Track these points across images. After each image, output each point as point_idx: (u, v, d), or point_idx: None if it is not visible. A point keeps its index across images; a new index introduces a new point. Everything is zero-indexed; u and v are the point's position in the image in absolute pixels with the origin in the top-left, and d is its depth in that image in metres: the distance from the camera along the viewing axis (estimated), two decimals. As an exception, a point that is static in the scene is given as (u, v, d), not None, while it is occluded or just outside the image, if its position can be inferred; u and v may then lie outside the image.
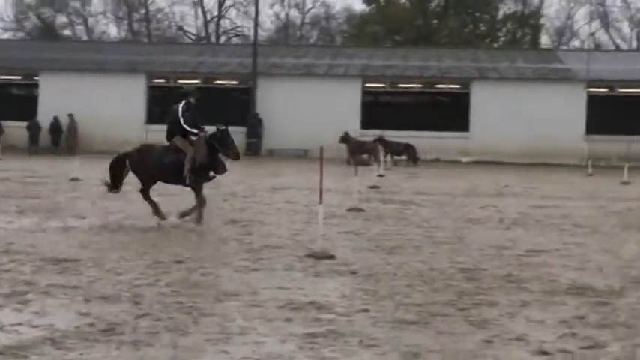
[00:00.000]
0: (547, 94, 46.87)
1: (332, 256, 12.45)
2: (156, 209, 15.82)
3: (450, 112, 49.42)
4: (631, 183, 31.28)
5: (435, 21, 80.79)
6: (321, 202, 13.15)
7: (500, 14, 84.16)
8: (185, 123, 15.73)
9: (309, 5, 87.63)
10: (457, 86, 49.72)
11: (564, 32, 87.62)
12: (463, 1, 78.77)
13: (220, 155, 16.06)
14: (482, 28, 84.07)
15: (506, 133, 46.03)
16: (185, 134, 15.82)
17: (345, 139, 40.46)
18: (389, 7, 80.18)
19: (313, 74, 49.94)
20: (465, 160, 45.53)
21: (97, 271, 10.99)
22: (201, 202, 15.65)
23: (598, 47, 78.73)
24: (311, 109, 47.40)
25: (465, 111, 48.31)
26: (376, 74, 50.49)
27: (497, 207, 21.12)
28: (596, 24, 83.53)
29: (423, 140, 45.83)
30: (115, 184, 16.26)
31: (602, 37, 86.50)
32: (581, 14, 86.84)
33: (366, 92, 49.81)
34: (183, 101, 16.12)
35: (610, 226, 17.56)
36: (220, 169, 16.14)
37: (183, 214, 15.68)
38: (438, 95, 51.00)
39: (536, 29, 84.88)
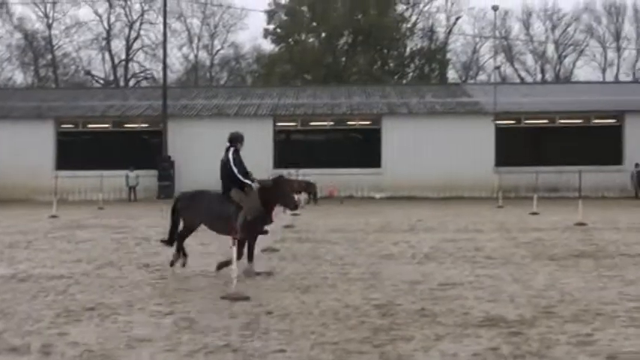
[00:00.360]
0: (456, 127, 47.57)
1: (247, 298, 12.39)
2: (182, 255, 15.50)
3: (361, 148, 49.80)
4: (540, 213, 31.85)
5: (343, 59, 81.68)
6: (234, 243, 13.08)
7: (408, 50, 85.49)
8: (239, 172, 15.11)
9: (218, 46, 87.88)
10: (368, 122, 50.14)
11: (471, 66, 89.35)
12: (371, 39, 79.74)
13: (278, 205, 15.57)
14: (391, 65, 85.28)
15: (418, 167, 46.54)
16: (240, 185, 15.12)
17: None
18: (298, 47, 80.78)
19: (224, 115, 49.88)
20: (378, 195, 45.88)
21: (5, 322, 10.74)
22: (239, 256, 14.48)
23: (504, 80, 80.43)
24: (222, 149, 47.19)
25: (377, 147, 48.74)
26: (287, 113, 50.66)
27: (411, 242, 21.28)
28: (501, 57, 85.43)
29: (336, 177, 46.14)
30: (172, 236, 15.69)
31: (508, 70, 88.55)
32: (486, 48, 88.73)
33: (277, 131, 49.95)
34: (232, 148, 15.47)
35: (521, 257, 17.82)
36: (291, 207, 15.78)
37: (220, 266, 15.11)
38: (350, 132, 51.35)
39: (444, 64, 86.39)
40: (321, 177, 45.43)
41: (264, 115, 49.90)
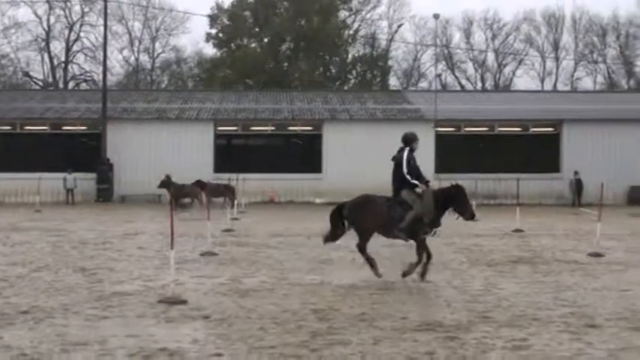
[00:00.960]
0: (397, 134, 47.15)
1: (184, 302, 12.32)
2: (372, 265, 14.97)
3: (302, 153, 49.82)
4: (479, 220, 32.03)
5: (286, 64, 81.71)
6: (172, 247, 13.00)
7: (350, 57, 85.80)
8: (408, 173, 14.80)
9: (160, 50, 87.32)
10: (309, 128, 50.17)
11: (412, 74, 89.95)
12: (313, 45, 79.89)
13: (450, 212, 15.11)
14: (333, 71, 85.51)
15: (358, 173, 46.56)
16: (410, 185, 14.87)
17: (166, 183, 40.22)
18: (240, 51, 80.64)
19: (165, 118, 49.53)
20: (318, 201, 45.87)
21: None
22: (422, 256, 14.75)
23: (444, 88, 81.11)
24: (163, 153, 47.01)
25: (318, 152, 48.79)
26: (228, 117, 50.45)
27: (350, 247, 21.27)
28: (442, 65, 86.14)
29: (276, 182, 46.13)
30: (333, 235, 15.45)
31: (449, 78, 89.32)
32: (427, 56, 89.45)
33: (218, 136, 49.73)
34: (407, 148, 15.19)
35: (459, 263, 17.98)
36: (466, 217, 15.11)
37: (405, 274, 14.70)
38: (291, 137, 51.33)
39: (385, 71, 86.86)
40: (262, 182, 45.38)
41: (205, 120, 49.64)
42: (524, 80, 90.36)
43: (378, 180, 45.68)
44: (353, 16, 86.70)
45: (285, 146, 50.96)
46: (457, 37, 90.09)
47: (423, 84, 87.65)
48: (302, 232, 26.21)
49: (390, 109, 51.94)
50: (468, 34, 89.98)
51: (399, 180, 14.96)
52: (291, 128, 50.73)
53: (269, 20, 79.95)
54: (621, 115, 50.60)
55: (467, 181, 45.06)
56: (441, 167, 47.34)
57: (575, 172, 46.90)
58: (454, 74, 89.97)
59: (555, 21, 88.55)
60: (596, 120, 49.72)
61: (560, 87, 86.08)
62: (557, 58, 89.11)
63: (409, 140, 15.36)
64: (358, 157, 46.91)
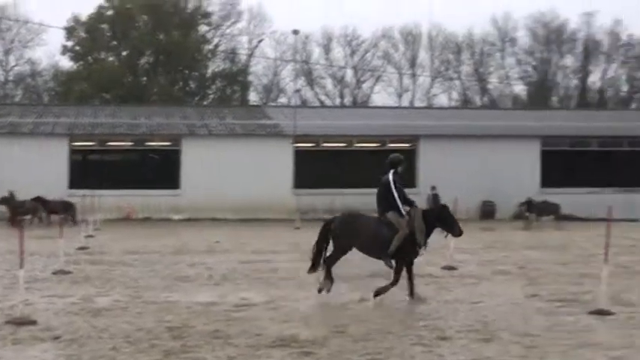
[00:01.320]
0: (256, 149, 47.75)
1: (33, 322, 11.95)
2: (326, 280, 14.97)
3: (160, 169, 49.22)
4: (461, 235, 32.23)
5: (144, 78, 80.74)
6: (22, 265, 12.61)
7: (210, 72, 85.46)
8: (398, 197, 14.88)
9: (13, 62, 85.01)
10: (167, 143, 49.60)
11: (272, 89, 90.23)
12: (173, 59, 79.25)
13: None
14: (192, 86, 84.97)
15: (217, 189, 46.34)
16: (398, 208, 14.87)
17: (6, 199, 39.27)
18: (97, 65, 79.29)
19: (18, 133, 48.15)
20: (176, 217, 45.38)
21: None
22: (396, 281, 14.69)
23: (304, 103, 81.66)
24: (16, 169, 45.63)
25: (176, 168, 48.28)
26: (84, 132, 49.43)
27: (207, 263, 21.15)
28: (301, 81, 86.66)
29: (134, 198, 45.43)
30: (316, 260, 15.22)
31: (308, 93, 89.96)
32: (287, 71, 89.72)
33: (74, 151, 48.64)
34: (392, 171, 15.23)
35: (315, 278, 17.99)
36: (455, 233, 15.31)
37: (377, 293, 14.50)
38: (149, 152, 50.66)
39: (245, 86, 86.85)
40: (119, 198, 44.56)
41: (60, 135, 48.49)
42: (382, 96, 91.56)
43: (238, 195, 45.92)
44: (213, 31, 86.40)
45: (142, 162, 50.27)
46: (317, 52, 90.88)
47: (283, 99, 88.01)
48: (159, 249, 25.86)
49: (250, 124, 51.89)
50: (327, 50, 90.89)
51: (385, 202, 15.11)
52: (148, 143, 50.06)
53: (127, 33, 78.89)
54: (475, 131, 51.92)
55: (326, 196, 45.77)
56: (300, 183, 47.62)
57: (433, 187, 47.72)
58: (313, 90, 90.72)
59: (412, 38, 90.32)
60: (451, 136, 50.88)
61: (417, 103, 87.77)
62: (414, 75, 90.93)
63: (395, 163, 15.54)
64: (217, 173, 46.66)
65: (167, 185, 47.34)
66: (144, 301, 14.41)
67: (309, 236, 31.60)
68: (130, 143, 49.56)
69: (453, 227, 15.22)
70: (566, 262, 21.47)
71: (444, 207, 15.46)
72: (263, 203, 46.27)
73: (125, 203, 44.98)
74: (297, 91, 79.00)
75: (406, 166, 15.92)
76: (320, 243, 15.28)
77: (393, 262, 14.80)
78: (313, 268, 15.38)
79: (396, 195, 14.95)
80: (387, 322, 12.25)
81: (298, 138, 48.46)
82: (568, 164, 50.15)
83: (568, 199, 49.18)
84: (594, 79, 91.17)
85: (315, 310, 13.47)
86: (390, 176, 15.13)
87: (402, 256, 14.76)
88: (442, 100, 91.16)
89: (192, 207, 46.05)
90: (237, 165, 47.12)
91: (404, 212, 14.88)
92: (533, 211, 41.60)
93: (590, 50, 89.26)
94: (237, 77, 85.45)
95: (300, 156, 48.64)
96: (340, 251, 15.14)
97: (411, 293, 14.77)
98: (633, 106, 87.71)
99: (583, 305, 13.89)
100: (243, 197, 46.32)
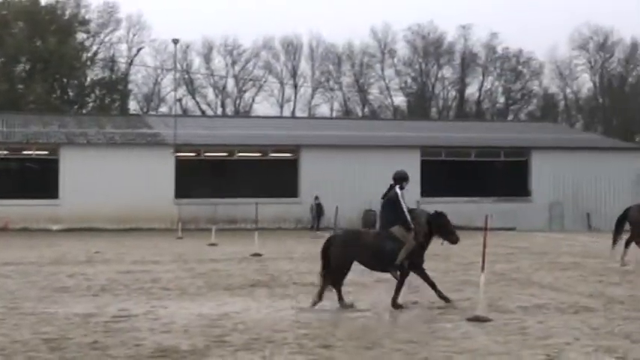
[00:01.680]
0: (137, 158, 47.18)
1: None
2: (321, 293, 14.84)
3: (38, 178, 48.15)
4: (218, 244, 32.24)
5: (21, 86, 78.85)
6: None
7: (89, 80, 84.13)
8: (408, 212, 15.17)
9: None
10: (45, 152, 48.58)
11: (152, 98, 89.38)
12: (50, 67, 77.70)
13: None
14: (71, 94, 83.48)
15: (97, 198, 45.59)
16: (406, 222, 15.04)
17: None
18: (-29, 71, 77.20)
19: None
20: (55, 227, 44.48)
21: None
22: (402, 286, 15.07)
23: (185, 113, 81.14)
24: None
25: (55, 177, 47.31)
26: (-42, 141, 48.09)
27: (87, 274, 20.79)
28: (182, 90, 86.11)
29: (10, 208, 44.34)
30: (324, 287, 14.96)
31: (189, 102, 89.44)
32: (168, 80, 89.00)
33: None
34: (397, 186, 15.43)
35: (197, 288, 17.91)
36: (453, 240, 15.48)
37: (397, 305, 14.80)
38: (26, 161, 49.51)
39: (125, 95, 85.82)
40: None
41: None
42: (263, 106, 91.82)
43: (119, 205, 45.26)
44: (91, 39, 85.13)
45: (19, 171, 49.14)
46: (197, 62, 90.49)
47: (164, 109, 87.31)
48: (37, 260, 25.30)
49: (129, 133, 51.29)
50: (208, 59, 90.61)
51: (392, 217, 15.30)
52: (25, 152, 48.95)
53: (3, 40, 76.97)
54: (356, 142, 52.48)
55: (207, 206, 45.55)
56: (181, 192, 47.29)
57: (316, 197, 48.04)
58: (195, 99, 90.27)
59: (293, 49, 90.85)
60: (332, 146, 51.29)
61: (298, 113, 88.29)
62: (295, 85, 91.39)
63: (400, 178, 15.74)
64: (97, 182, 45.89)
65: (45, 195, 46.39)
66: (21, 313, 14.08)
67: (192, 246, 31.55)
68: (5, 152, 48.33)
69: (449, 235, 15.50)
70: (447, 270, 21.84)
71: (441, 214, 15.70)
72: (144, 213, 45.78)
73: (2, 213, 43.87)
74: (178, 100, 78.53)
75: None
76: (325, 266, 15.16)
77: (399, 272, 15.16)
78: (324, 286, 15.13)
79: (405, 209, 15.21)
80: (267, 331, 12.24)
81: (179, 147, 48.11)
82: (447, 174, 51.10)
83: (447, 208, 49.88)
84: (472, 90, 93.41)
85: (195, 319, 13.36)
86: (398, 191, 15.45)
87: (410, 264, 15.13)
88: (324, 110, 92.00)
89: (72, 217, 45.22)
90: (117, 174, 46.46)
91: (412, 226, 15.14)
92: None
93: (468, 63, 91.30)
94: (116, 86, 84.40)
95: (181, 165, 48.29)
96: (345, 269, 15.17)
97: (442, 297, 15.11)
98: (510, 117, 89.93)
99: (462, 312, 14.15)
100: (123, 207, 45.71)
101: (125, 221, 45.48)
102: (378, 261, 15.18)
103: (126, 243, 34.28)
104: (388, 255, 14.95)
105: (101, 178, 46.04)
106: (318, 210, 47.92)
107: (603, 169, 53.71)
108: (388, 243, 15.04)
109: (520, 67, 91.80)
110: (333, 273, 15.00)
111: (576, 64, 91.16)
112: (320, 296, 14.90)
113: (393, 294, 14.97)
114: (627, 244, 23.61)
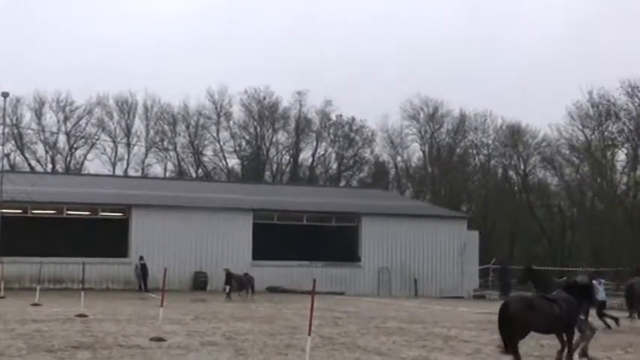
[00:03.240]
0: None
1: None
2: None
3: None
4: (42, 304, 31.23)
5: None
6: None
7: None
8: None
9: None
10: None
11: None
12: None
13: None
14: None
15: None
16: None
17: None
18: None
19: None
20: None
21: None
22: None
23: (13, 168, 78.79)
24: None
25: None
26: None
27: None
28: (11, 145, 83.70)
29: None
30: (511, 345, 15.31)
31: (18, 158, 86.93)
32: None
33: None
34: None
35: (17, 349, 17.26)
36: None
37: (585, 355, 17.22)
38: None
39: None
40: None
41: None
42: (95, 164, 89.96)
43: None
44: None
45: None
46: (28, 117, 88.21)
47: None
48: None
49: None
50: (39, 114, 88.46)
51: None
52: None
53: None
54: (189, 203, 52.13)
55: (33, 264, 44.08)
56: (5, 250, 45.64)
57: (141, 257, 47.33)
58: (24, 155, 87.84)
59: (128, 107, 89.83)
60: (164, 206, 50.82)
61: (131, 172, 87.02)
62: (128, 144, 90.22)
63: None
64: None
65: None
66: None
67: (14, 306, 30.46)
68: None
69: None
70: (273, 334, 21.82)
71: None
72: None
73: None
74: (6, 155, 76.21)
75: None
76: (505, 328, 15.35)
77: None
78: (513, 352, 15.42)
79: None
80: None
81: (5, 204, 46.50)
82: (279, 237, 51.28)
83: (278, 271, 50.46)
84: (306, 155, 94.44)
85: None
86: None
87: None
88: (157, 170, 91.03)
89: None
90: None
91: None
92: (232, 284, 41.07)
93: (302, 128, 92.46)
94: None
95: (6, 222, 46.62)
96: (524, 334, 15.56)
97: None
98: (342, 183, 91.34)
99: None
100: None
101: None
102: (557, 324, 15.98)
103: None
104: (565, 319, 15.93)
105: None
106: (143, 270, 47.12)
107: (431, 237, 55.19)
108: (556, 307, 15.77)
109: (353, 135, 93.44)
110: (514, 338, 15.41)
111: (407, 133, 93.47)
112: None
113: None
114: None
